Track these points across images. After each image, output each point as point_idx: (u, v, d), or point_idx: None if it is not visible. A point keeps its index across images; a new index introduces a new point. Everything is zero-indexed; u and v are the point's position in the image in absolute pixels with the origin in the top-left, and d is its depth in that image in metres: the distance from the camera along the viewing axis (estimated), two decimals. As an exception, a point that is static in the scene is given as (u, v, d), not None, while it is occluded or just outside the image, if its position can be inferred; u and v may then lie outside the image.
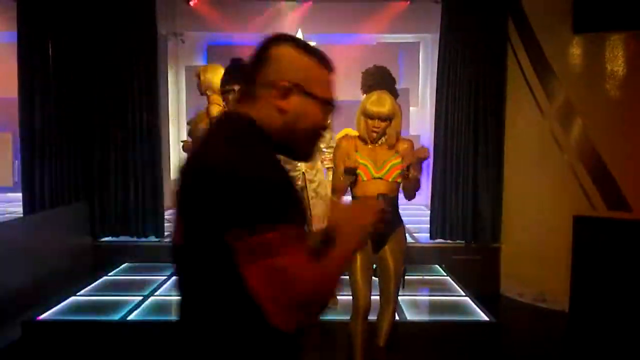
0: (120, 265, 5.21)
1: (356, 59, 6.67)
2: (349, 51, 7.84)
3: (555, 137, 4.84)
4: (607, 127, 4.58)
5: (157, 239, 5.44)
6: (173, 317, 3.06)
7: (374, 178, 2.97)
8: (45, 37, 5.08)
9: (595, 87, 4.65)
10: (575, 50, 4.73)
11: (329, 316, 3.51)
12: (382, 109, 2.91)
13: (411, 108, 8.42)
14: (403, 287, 3.14)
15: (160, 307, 4.17)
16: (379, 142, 3.01)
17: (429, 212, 5.63)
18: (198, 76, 4.20)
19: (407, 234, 3.23)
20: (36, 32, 5.06)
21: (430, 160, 5.81)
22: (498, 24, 5.20)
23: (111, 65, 5.30)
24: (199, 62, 8.47)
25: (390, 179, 2.97)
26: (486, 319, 3.88)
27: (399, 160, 2.97)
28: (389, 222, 2.92)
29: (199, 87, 4.20)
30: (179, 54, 8.05)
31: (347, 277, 2.97)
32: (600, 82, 4.62)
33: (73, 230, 5.17)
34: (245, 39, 8.45)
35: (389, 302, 3.02)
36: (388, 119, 2.93)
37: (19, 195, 5.44)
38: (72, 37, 5.21)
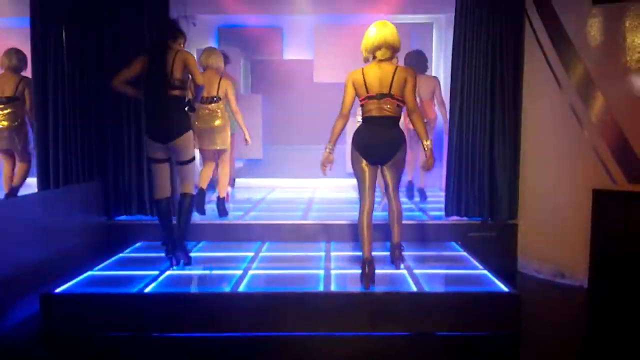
0: (135, 244, 5.21)
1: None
2: (361, 31, 7.76)
3: (574, 111, 4.77)
4: (628, 100, 4.50)
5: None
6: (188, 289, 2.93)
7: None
8: (58, 21, 5.06)
9: (615, 60, 4.57)
10: (594, 22, 4.65)
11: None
12: None
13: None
14: None
15: (176, 281, 4.17)
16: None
17: (443, 193, 5.58)
18: None
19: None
20: (49, 17, 5.04)
21: (445, 137, 5.74)
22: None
23: (124, 48, 5.28)
24: (211, 44, 8.44)
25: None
26: (505, 290, 3.83)
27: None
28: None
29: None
30: (190, 36, 8.00)
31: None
32: (621, 54, 4.54)
33: (87, 208, 5.16)
34: (256, 20, 8.43)
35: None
36: None
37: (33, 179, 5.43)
38: (84, 19, 5.19)
